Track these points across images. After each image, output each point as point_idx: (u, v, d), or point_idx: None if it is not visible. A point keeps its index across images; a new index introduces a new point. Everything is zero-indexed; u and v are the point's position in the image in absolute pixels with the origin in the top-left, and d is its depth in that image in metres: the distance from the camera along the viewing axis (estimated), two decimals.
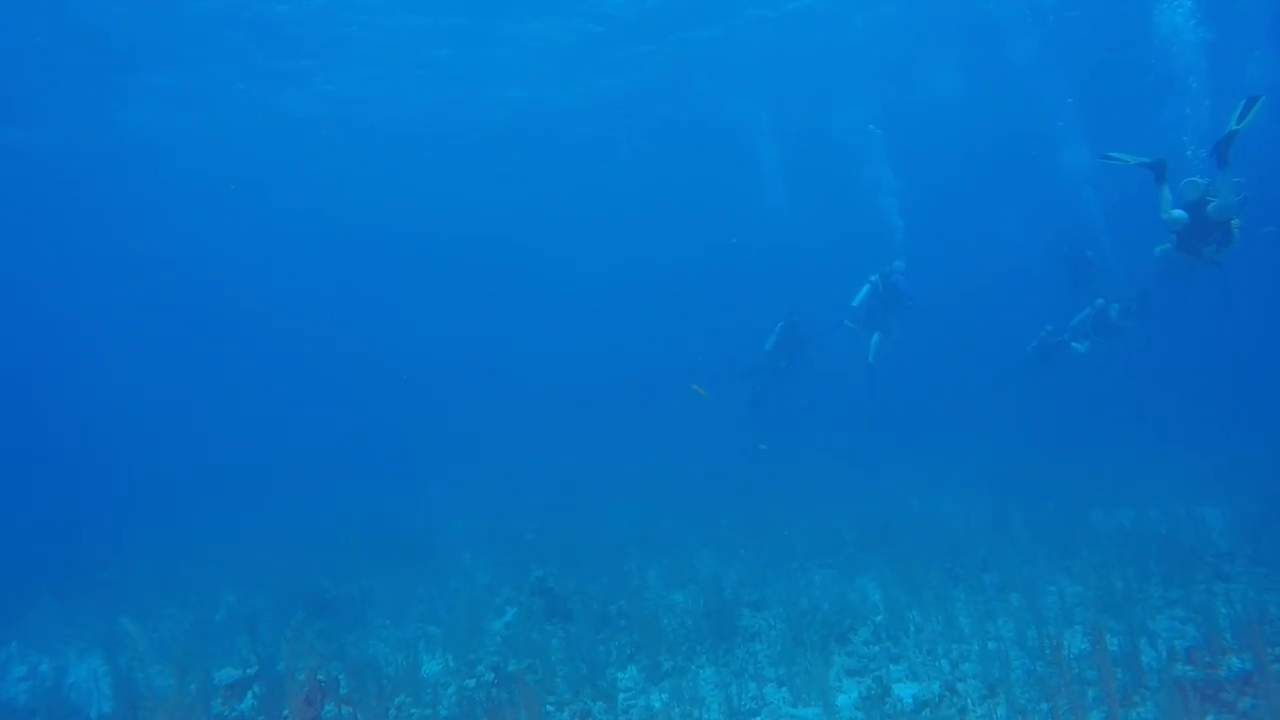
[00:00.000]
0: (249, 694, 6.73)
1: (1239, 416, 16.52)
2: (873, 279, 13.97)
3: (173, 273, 33.06)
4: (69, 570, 13.03)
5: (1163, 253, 8.30)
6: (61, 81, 17.58)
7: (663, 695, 6.41)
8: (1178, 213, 7.16)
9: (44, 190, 22.99)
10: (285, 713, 5.17)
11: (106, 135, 20.59)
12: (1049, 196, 28.41)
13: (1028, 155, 26.83)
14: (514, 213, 32.44)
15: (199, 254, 31.81)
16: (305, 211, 29.47)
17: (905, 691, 6.00)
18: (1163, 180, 7.09)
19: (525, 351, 45.66)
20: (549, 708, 6.28)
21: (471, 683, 6.98)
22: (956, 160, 29.10)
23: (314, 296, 40.17)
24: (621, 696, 6.48)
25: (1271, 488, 10.38)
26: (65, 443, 37.69)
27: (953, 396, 24.42)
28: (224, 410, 42.35)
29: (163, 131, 20.90)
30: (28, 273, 29.09)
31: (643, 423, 27.61)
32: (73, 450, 36.15)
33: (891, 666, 6.56)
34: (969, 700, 5.64)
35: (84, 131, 20.15)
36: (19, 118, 19.09)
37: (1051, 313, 16.26)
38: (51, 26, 15.52)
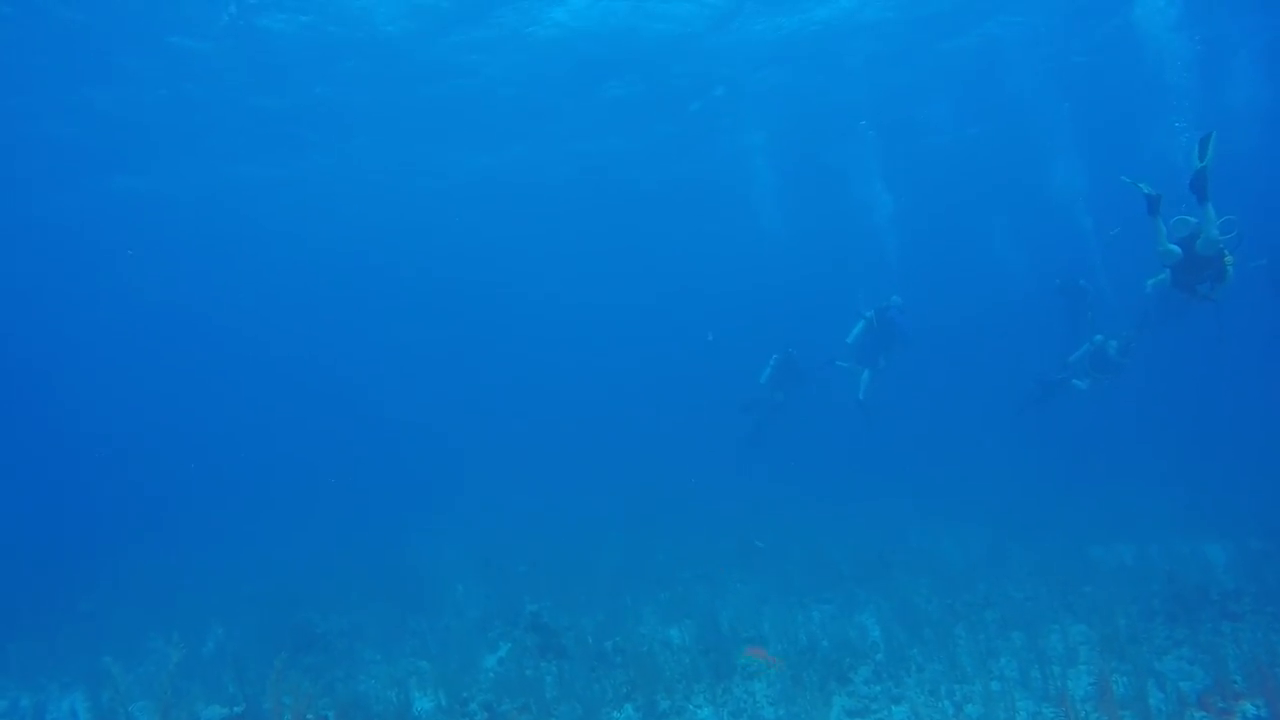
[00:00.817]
0: None
1: (1237, 451, 16.48)
2: (867, 315, 13.88)
3: (167, 299, 32.94)
4: (51, 600, 12.80)
5: (1154, 286, 8.28)
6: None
7: None
8: (1172, 247, 7.17)
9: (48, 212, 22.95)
10: None
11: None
12: (1044, 222, 28.47)
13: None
14: (512, 242, 32.50)
15: (195, 282, 31.73)
16: (306, 242, 29.49)
17: None
18: (1156, 214, 7.10)
19: (519, 382, 45.57)
20: None
21: None
22: (951, 184, 29.07)
23: (309, 326, 40.10)
24: None
25: (1274, 523, 10.31)
26: (50, 468, 37.32)
27: (949, 428, 24.37)
28: (213, 439, 42.02)
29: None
30: (21, 294, 28.94)
31: (637, 454, 27.47)
32: (57, 476, 35.78)
33: (894, 708, 6.42)
34: None
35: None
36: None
37: (1050, 340, 16.27)
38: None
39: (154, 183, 21.86)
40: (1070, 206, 24.37)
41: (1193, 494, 13.27)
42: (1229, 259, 7.07)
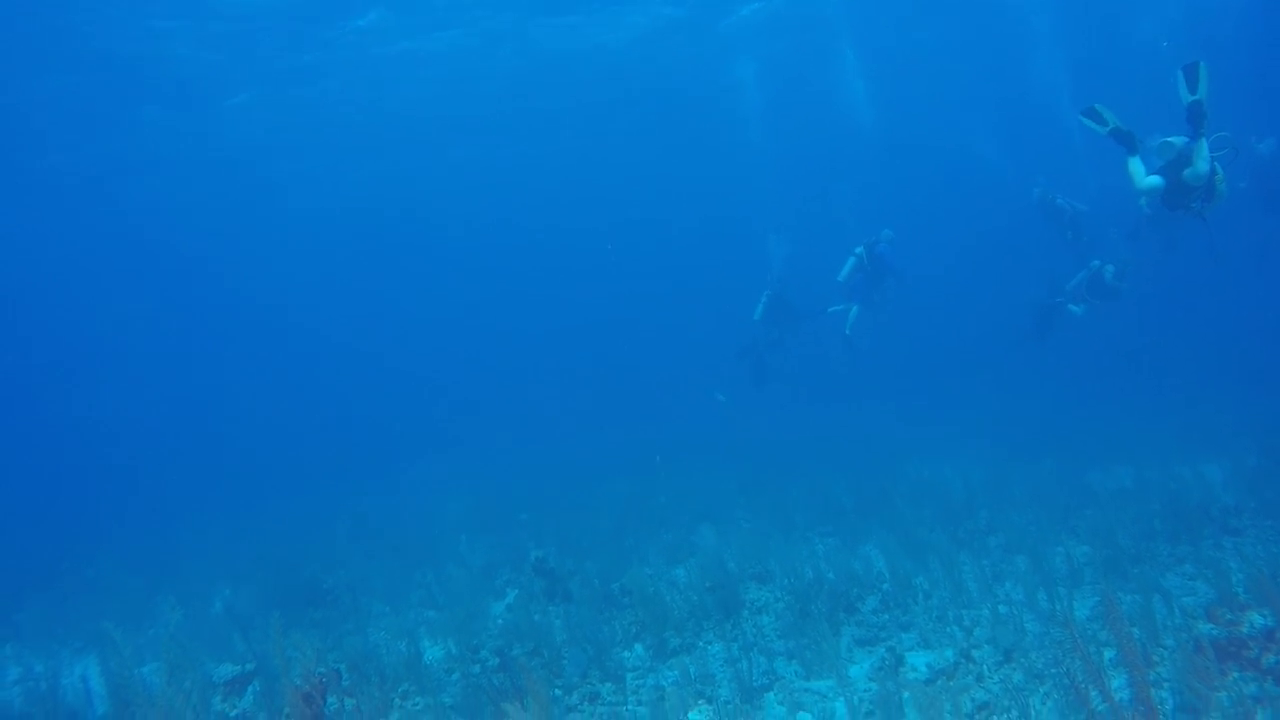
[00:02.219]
0: (249, 690, 6.58)
1: (1229, 370, 16.52)
2: (857, 251, 13.77)
3: (162, 267, 32.59)
4: (59, 569, 12.85)
5: (1149, 204, 8.10)
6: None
7: (672, 673, 6.30)
8: (1152, 180, 6.98)
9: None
10: (287, 709, 5.02)
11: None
12: (1030, 129, 27.92)
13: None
14: (494, 190, 32.04)
15: (190, 248, 31.33)
16: (291, 202, 29.09)
17: (919, 660, 5.92)
18: (1134, 152, 6.90)
19: (510, 331, 45.37)
20: (557, 691, 6.16)
21: (476, 668, 6.86)
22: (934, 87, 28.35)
23: (300, 287, 39.75)
24: (630, 676, 6.37)
25: (1271, 440, 10.35)
26: (52, 438, 37.27)
27: (944, 360, 24.38)
28: (211, 403, 41.97)
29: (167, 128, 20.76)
30: (20, 267, 28.57)
31: (633, 399, 27.50)
32: (59, 445, 35.77)
33: (902, 635, 6.47)
34: (984, 667, 5.55)
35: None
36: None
37: (1041, 261, 16.10)
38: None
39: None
40: (1053, 107, 23.75)
41: (1189, 415, 13.32)
42: (1220, 176, 6.89)
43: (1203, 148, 6.53)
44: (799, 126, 27.94)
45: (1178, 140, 6.88)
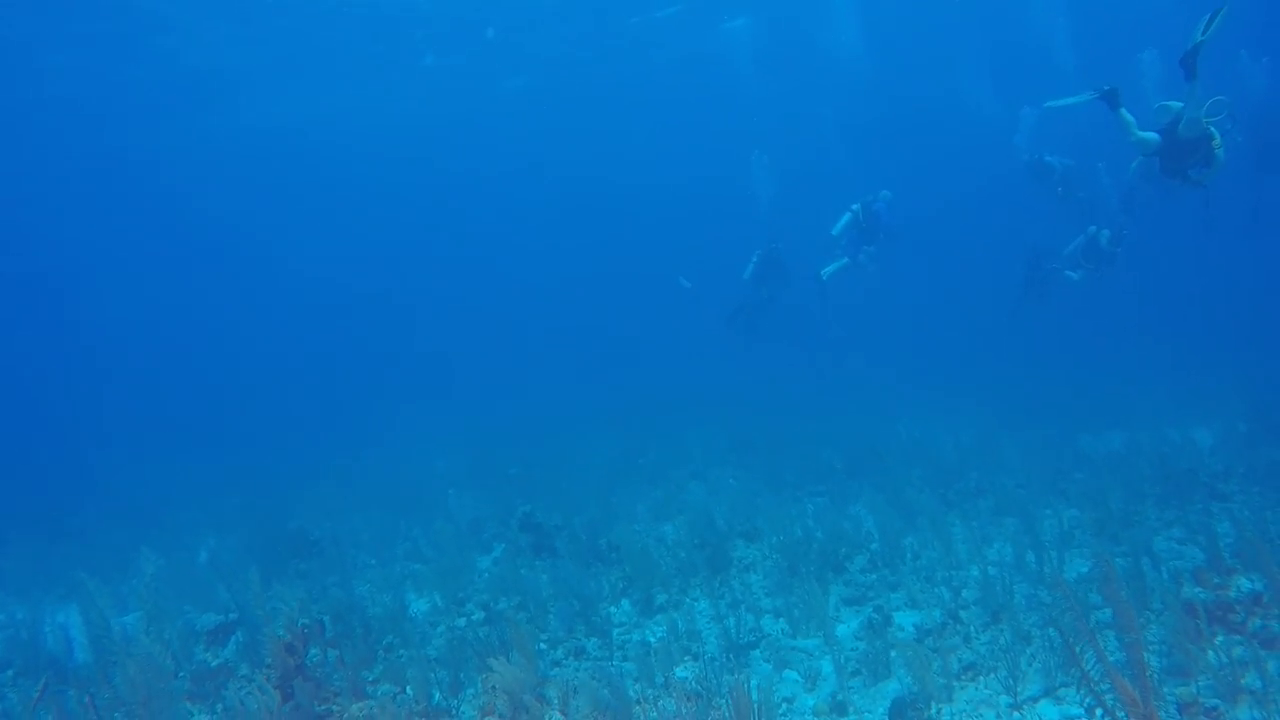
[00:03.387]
0: (232, 640, 6.54)
1: (1225, 335, 16.50)
2: (854, 208, 13.61)
3: (150, 218, 32.15)
4: (44, 517, 12.78)
5: (1139, 168, 7.99)
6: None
7: (658, 629, 6.28)
8: (1148, 134, 6.86)
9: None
10: (269, 659, 4.97)
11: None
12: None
13: None
14: (485, 141, 31.57)
15: (179, 202, 30.91)
16: (279, 160, 28.74)
17: (906, 620, 5.90)
18: (1118, 105, 6.76)
19: (508, 288, 45.07)
20: (542, 645, 6.14)
21: (461, 622, 6.83)
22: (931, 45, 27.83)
23: (300, 247, 39.42)
24: (616, 632, 6.34)
25: (1258, 406, 10.34)
26: (39, 390, 37.04)
27: (938, 324, 24.32)
28: (202, 357, 41.73)
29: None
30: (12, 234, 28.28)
31: (623, 357, 27.40)
32: (46, 397, 35.57)
33: (890, 594, 6.45)
34: (972, 627, 5.54)
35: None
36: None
37: (1034, 224, 15.92)
38: None
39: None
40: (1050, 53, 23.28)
41: (1181, 381, 13.33)
42: (1217, 142, 6.77)
43: (1194, 91, 6.45)
44: (790, 68, 27.47)
45: (1175, 104, 6.79)
